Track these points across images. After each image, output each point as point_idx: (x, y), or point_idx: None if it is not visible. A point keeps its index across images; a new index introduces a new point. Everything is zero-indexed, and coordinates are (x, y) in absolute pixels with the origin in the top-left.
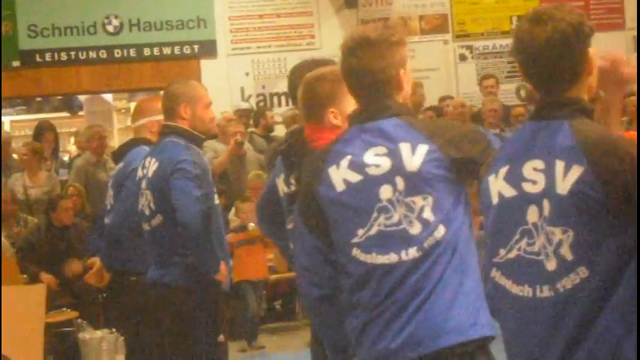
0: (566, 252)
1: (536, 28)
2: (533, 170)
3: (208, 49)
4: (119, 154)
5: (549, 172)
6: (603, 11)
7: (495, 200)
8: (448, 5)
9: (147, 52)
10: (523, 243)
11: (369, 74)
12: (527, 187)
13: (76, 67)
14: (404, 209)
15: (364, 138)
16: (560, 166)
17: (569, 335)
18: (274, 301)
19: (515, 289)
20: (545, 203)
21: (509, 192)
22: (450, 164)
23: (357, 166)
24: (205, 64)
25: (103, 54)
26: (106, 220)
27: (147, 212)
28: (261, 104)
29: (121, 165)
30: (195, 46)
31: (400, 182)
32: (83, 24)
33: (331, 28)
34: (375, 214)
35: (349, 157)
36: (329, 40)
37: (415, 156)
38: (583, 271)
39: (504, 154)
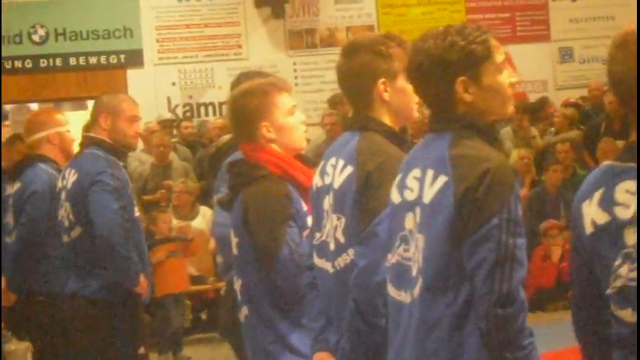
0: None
1: (414, 54)
2: (413, 178)
3: (135, 58)
4: (15, 172)
5: (422, 181)
6: (529, 23)
7: (390, 206)
8: (375, 17)
9: (73, 61)
10: (401, 249)
11: (348, 78)
12: (407, 195)
13: (2, 77)
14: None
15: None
16: (430, 174)
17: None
18: (200, 312)
19: (394, 294)
20: (417, 210)
21: (397, 198)
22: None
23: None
24: (132, 73)
25: (29, 63)
26: (8, 240)
27: (66, 224)
28: (188, 114)
29: (18, 185)
30: (122, 56)
31: (328, 199)
32: (9, 33)
33: (258, 38)
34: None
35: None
36: (256, 51)
37: (339, 175)
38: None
39: (403, 164)
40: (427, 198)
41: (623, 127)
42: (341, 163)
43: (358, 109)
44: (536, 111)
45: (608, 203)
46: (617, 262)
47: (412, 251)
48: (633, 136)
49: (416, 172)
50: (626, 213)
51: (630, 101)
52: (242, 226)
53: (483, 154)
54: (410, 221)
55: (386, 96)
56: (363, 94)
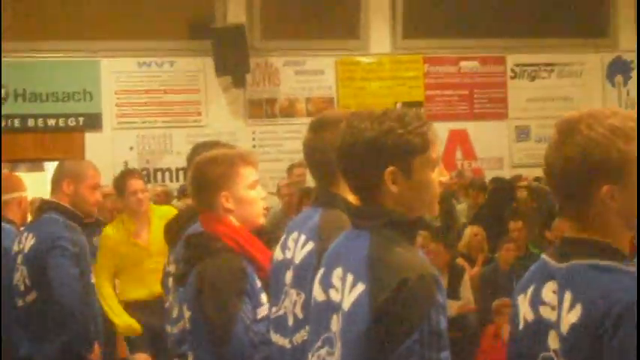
0: None
1: (348, 133)
2: (337, 278)
3: (93, 122)
4: None
5: (343, 284)
6: (487, 101)
7: (312, 302)
8: (334, 89)
9: (31, 122)
10: (323, 352)
11: (315, 153)
12: (332, 295)
13: None
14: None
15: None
16: (349, 279)
17: None
18: None
19: None
20: (340, 314)
21: (320, 296)
22: None
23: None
24: (90, 137)
25: None
26: None
27: (22, 288)
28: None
29: None
30: (81, 119)
31: (288, 274)
32: None
33: (218, 106)
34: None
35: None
36: (215, 118)
37: (300, 250)
38: None
39: (325, 257)
40: (346, 305)
41: None
42: (303, 238)
43: (322, 185)
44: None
45: (536, 301)
46: None
47: (337, 357)
48: (568, 229)
49: (339, 272)
50: (550, 314)
51: (562, 190)
52: (195, 301)
53: (402, 261)
54: (335, 324)
55: None
56: (328, 170)
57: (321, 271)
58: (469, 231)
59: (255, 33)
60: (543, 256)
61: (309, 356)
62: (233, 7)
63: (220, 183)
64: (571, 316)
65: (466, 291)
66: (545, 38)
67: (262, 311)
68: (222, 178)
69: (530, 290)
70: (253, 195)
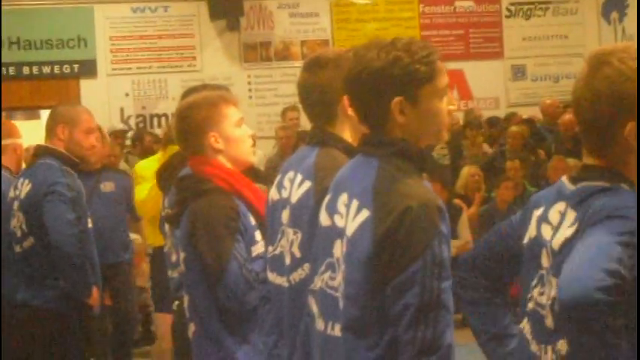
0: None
1: (355, 62)
2: (342, 204)
3: (88, 68)
4: None
5: (348, 210)
6: (482, 40)
7: (318, 227)
8: (329, 31)
9: (26, 70)
10: (326, 276)
11: (311, 93)
12: (337, 220)
13: None
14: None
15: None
16: (354, 205)
17: None
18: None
19: (321, 326)
20: (344, 240)
21: (326, 221)
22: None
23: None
24: (85, 83)
25: None
26: None
27: (18, 234)
28: (141, 125)
29: None
30: (75, 66)
31: (285, 213)
32: None
33: (213, 50)
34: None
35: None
36: (210, 63)
37: (297, 189)
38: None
39: (332, 183)
40: (349, 231)
41: (575, 146)
42: (299, 177)
43: (318, 124)
44: (490, 128)
45: (541, 219)
46: (533, 282)
47: (338, 281)
48: (587, 158)
49: (344, 198)
50: (548, 233)
51: (588, 124)
52: (189, 241)
53: (408, 189)
54: (338, 249)
55: (350, 111)
56: (326, 109)
57: (327, 197)
58: (466, 171)
59: None
60: (562, 179)
61: (315, 279)
62: None
63: (206, 124)
64: (567, 232)
65: (464, 230)
66: None
67: (256, 249)
68: (208, 119)
69: (540, 209)
70: (240, 133)
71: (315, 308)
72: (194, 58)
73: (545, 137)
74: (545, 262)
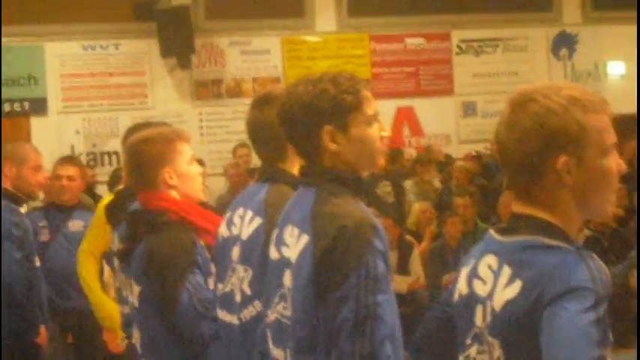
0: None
1: (286, 97)
2: (288, 235)
3: (39, 106)
4: None
5: (293, 240)
6: (433, 77)
7: (268, 263)
8: (281, 68)
9: None
10: (280, 307)
11: (259, 129)
12: (284, 251)
13: None
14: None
15: None
16: (296, 233)
17: None
18: None
19: (276, 354)
20: (290, 268)
21: (274, 254)
22: None
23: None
24: (36, 121)
25: None
26: None
27: None
28: (92, 163)
29: None
30: (26, 104)
31: (235, 250)
32: None
33: (164, 88)
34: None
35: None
36: (162, 100)
37: (248, 226)
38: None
39: (279, 219)
40: (293, 258)
41: None
42: (249, 214)
43: (268, 161)
44: (441, 164)
45: (472, 275)
46: (468, 341)
47: (290, 309)
48: (515, 204)
49: (289, 229)
50: (482, 289)
51: (515, 165)
52: (144, 275)
53: (342, 210)
54: (288, 279)
55: (291, 150)
56: (274, 145)
57: (275, 233)
58: (417, 207)
59: (199, 13)
60: (490, 230)
61: (269, 313)
62: None
63: (161, 160)
64: (507, 292)
65: (416, 267)
66: (489, 13)
67: (213, 281)
68: (163, 154)
69: (470, 264)
70: (193, 170)
71: (270, 341)
72: (145, 95)
73: (494, 173)
74: (479, 320)
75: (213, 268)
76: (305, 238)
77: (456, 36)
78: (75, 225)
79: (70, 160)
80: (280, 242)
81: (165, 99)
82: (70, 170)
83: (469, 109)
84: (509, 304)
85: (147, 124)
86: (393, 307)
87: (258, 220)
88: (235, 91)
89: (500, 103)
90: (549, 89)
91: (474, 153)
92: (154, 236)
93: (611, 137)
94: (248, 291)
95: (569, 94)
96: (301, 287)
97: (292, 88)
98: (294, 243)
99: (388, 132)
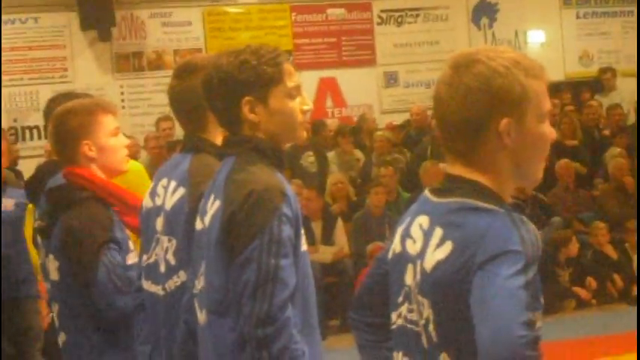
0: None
1: (210, 68)
2: (210, 203)
3: None
4: None
5: (211, 206)
6: (354, 48)
7: (195, 231)
8: (203, 40)
9: None
10: (202, 272)
11: (182, 99)
12: (206, 221)
13: None
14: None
15: None
16: (211, 200)
17: None
18: None
19: (200, 318)
20: (207, 234)
21: (199, 224)
22: None
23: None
24: None
25: None
26: None
27: None
28: (12, 137)
29: None
30: None
31: (159, 221)
32: None
33: (84, 61)
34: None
35: None
36: (82, 74)
37: (171, 196)
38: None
39: (207, 189)
40: (207, 222)
41: None
42: (173, 184)
43: (191, 131)
44: (359, 133)
45: (405, 234)
46: (399, 298)
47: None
48: (452, 166)
49: (212, 198)
50: (412, 248)
51: (455, 126)
52: (62, 250)
53: (252, 177)
54: (207, 244)
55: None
56: (196, 115)
57: (202, 203)
58: (330, 179)
59: None
60: (425, 190)
61: (196, 283)
62: None
63: (80, 132)
64: (438, 253)
65: (340, 237)
66: None
67: (131, 258)
68: (82, 127)
69: (404, 224)
70: (115, 142)
71: (198, 310)
72: (65, 69)
73: (417, 142)
74: (409, 279)
75: (131, 245)
76: (216, 205)
77: (377, 6)
78: (7, 205)
79: None
80: (204, 212)
81: (86, 72)
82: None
83: (391, 79)
84: (439, 265)
85: (69, 95)
86: (301, 272)
87: (181, 191)
88: (157, 64)
89: (422, 73)
90: (492, 51)
91: (395, 123)
92: (71, 212)
93: (547, 104)
94: (172, 261)
95: (511, 56)
96: (212, 251)
97: (216, 59)
98: (208, 209)
99: (310, 105)
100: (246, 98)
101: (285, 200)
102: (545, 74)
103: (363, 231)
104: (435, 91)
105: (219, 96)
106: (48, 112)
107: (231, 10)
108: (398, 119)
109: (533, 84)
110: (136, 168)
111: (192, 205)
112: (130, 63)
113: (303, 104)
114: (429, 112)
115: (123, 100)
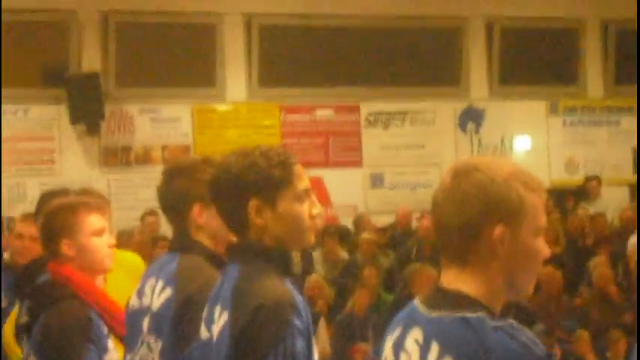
0: None
1: (217, 168)
2: (217, 314)
3: None
4: None
5: (219, 317)
6: (342, 149)
7: (199, 341)
8: (191, 137)
9: None
10: None
11: (167, 201)
12: (213, 330)
13: None
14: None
15: None
16: (218, 311)
17: None
18: None
19: None
20: (215, 347)
21: (205, 333)
22: None
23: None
24: None
25: None
26: None
27: None
28: None
29: None
30: None
31: (146, 321)
32: None
33: (72, 154)
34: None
35: None
36: (70, 167)
37: (158, 297)
38: None
39: (210, 296)
40: (215, 334)
41: (434, 252)
42: (160, 284)
43: (179, 231)
44: (346, 235)
45: (398, 347)
46: None
47: None
48: (445, 273)
49: (218, 308)
50: None
51: (452, 230)
52: (41, 350)
53: (260, 290)
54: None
55: (201, 221)
56: (183, 216)
57: (205, 311)
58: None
59: (110, 80)
60: (415, 300)
61: None
62: (87, 54)
63: (62, 231)
64: None
65: (322, 336)
66: (398, 87)
67: (109, 358)
68: (64, 226)
69: (396, 334)
70: (96, 242)
71: None
72: (53, 162)
73: (402, 243)
74: None
75: (110, 344)
76: (225, 316)
77: (365, 108)
78: None
79: None
80: (210, 321)
81: (74, 165)
82: None
83: (377, 181)
84: None
85: (62, 192)
86: None
87: (168, 291)
88: (144, 159)
89: (408, 175)
90: (492, 162)
91: (378, 225)
92: (50, 311)
93: (544, 219)
94: None
95: (511, 169)
96: None
97: (225, 159)
98: (216, 321)
99: (320, 209)
100: (253, 201)
101: (296, 312)
102: (544, 189)
103: (347, 332)
104: (433, 196)
105: (225, 197)
106: (38, 207)
107: (220, 107)
108: (383, 220)
109: (531, 197)
110: (132, 262)
111: (178, 306)
112: (117, 157)
113: (312, 208)
114: (414, 215)
115: (109, 194)
